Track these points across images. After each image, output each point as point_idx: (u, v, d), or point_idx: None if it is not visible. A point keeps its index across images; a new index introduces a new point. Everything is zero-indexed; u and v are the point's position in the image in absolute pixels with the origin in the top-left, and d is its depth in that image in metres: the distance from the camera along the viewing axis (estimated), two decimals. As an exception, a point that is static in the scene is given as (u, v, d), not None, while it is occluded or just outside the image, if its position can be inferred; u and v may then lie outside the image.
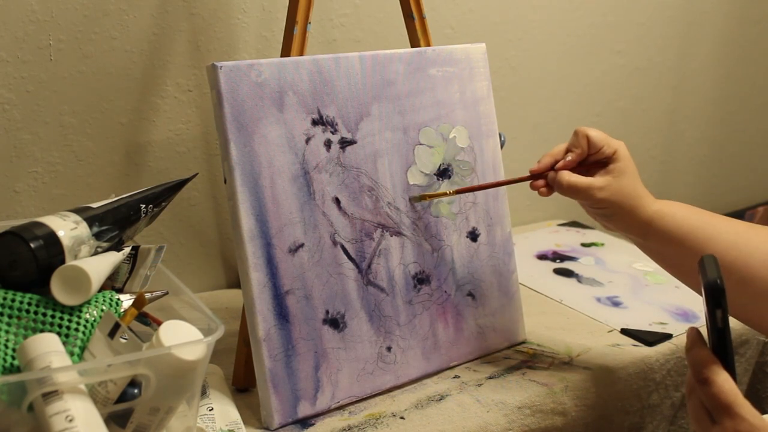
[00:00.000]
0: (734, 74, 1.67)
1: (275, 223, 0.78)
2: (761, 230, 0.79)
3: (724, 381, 0.59)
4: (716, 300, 0.59)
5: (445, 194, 0.88)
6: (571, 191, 0.81)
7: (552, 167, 0.83)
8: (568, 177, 0.81)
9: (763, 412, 0.60)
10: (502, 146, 0.96)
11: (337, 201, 0.82)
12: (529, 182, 0.84)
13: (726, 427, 0.59)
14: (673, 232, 0.80)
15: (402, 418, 0.81)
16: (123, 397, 0.62)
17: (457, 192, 0.88)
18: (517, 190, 1.38)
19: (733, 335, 0.66)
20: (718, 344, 0.60)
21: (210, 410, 0.77)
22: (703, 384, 0.60)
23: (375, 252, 0.85)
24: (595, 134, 0.81)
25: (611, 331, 1.01)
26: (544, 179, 0.83)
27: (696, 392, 0.61)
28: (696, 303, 1.09)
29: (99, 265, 0.69)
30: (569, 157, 0.82)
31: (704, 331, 0.62)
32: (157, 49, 0.99)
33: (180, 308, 0.75)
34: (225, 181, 0.77)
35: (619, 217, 0.82)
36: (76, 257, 0.69)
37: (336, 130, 0.83)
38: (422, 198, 0.88)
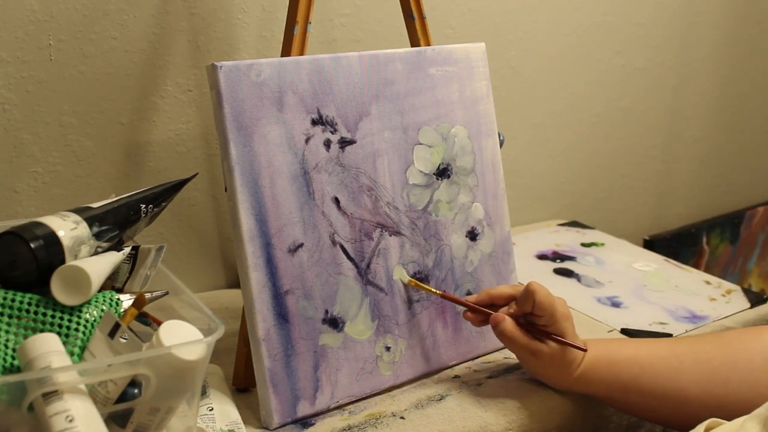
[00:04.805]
0: (734, 74, 1.67)
1: (275, 223, 0.78)
2: (683, 346, 0.82)
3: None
4: None
5: (431, 291, 0.87)
6: (507, 342, 0.83)
7: (488, 305, 0.84)
8: (512, 328, 0.82)
9: None
10: (501, 146, 0.96)
11: (337, 201, 0.82)
12: (466, 301, 0.86)
13: None
14: (599, 386, 0.83)
15: (402, 418, 0.81)
16: (123, 397, 0.62)
17: (443, 296, 0.87)
18: (516, 190, 1.38)
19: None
20: None
21: (210, 410, 0.78)
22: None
23: (374, 252, 0.85)
24: (542, 300, 0.81)
25: (611, 331, 1.01)
26: (482, 315, 0.84)
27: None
28: (696, 303, 1.09)
29: (99, 265, 0.69)
30: (511, 309, 0.83)
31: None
32: (157, 49, 0.99)
33: (180, 308, 0.75)
34: (225, 189, 0.77)
35: (542, 376, 0.85)
36: (76, 257, 0.69)
37: (335, 130, 0.83)
38: (410, 283, 0.87)
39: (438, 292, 0.87)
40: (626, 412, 0.88)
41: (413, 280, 0.87)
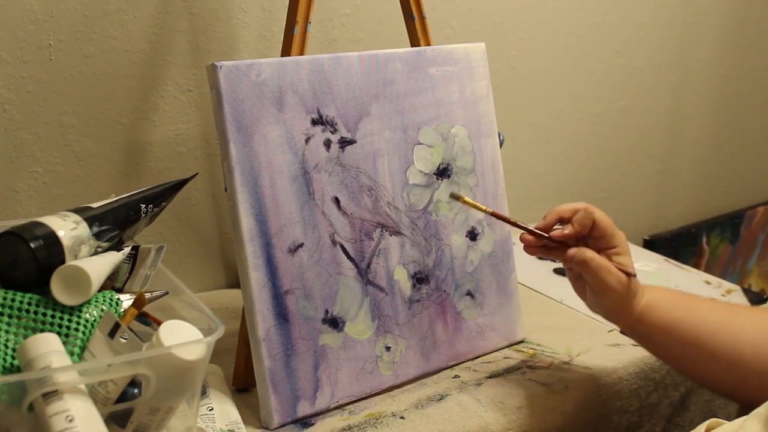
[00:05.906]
0: (734, 74, 1.67)
1: (275, 223, 0.78)
2: (743, 311, 0.82)
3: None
4: None
5: (481, 208, 0.87)
6: (587, 267, 0.80)
7: (553, 226, 0.83)
8: (592, 254, 0.80)
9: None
10: (501, 146, 0.96)
11: (337, 201, 0.82)
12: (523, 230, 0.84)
13: None
14: (659, 325, 0.81)
15: (402, 417, 0.81)
16: (123, 397, 0.62)
17: (492, 214, 0.87)
18: (516, 190, 1.38)
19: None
20: None
21: (210, 410, 0.78)
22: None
23: (374, 251, 0.85)
24: (601, 218, 0.80)
25: (611, 330, 1.01)
26: (548, 241, 0.83)
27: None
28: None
29: (99, 265, 0.69)
30: (566, 230, 0.81)
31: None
32: (157, 49, 0.99)
33: (180, 308, 0.75)
34: (225, 189, 0.77)
35: (611, 312, 0.83)
36: (76, 257, 0.69)
37: (335, 130, 0.83)
38: (459, 198, 0.87)
39: (489, 210, 0.86)
40: (676, 366, 0.85)
41: (464, 197, 0.87)
